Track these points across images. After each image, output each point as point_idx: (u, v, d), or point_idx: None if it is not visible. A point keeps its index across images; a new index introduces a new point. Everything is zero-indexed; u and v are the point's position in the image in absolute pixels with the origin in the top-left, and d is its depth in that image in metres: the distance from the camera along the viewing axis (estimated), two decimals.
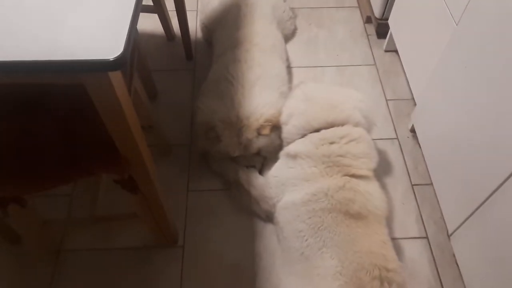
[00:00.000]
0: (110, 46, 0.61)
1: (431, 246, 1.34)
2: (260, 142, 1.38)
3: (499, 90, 1.00)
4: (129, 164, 0.90)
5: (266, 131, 1.36)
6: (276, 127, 1.39)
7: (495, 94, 1.02)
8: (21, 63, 0.60)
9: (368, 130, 1.34)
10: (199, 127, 1.42)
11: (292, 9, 1.98)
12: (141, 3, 0.70)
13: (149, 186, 1.01)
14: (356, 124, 1.29)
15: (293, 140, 1.35)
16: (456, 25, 1.21)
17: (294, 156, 1.30)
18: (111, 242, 1.34)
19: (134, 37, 1.35)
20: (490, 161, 1.05)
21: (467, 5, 1.15)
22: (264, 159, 1.47)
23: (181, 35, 1.75)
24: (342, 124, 1.27)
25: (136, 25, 0.66)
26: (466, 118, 1.16)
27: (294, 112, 1.35)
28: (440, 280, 1.28)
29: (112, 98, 0.72)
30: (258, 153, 1.43)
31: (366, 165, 1.24)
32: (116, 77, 0.71)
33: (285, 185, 1.30)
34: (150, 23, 1.91)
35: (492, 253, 1.05)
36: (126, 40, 0.62)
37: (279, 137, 1.41)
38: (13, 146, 0.91)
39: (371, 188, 1.21)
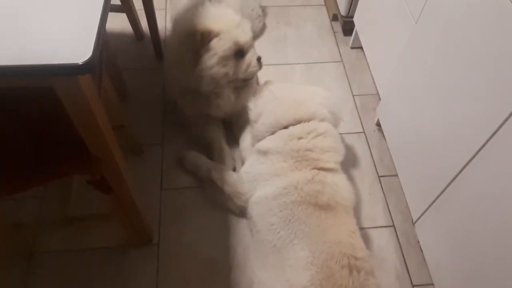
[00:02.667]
0: (79, 50, 0.62)
1: (398, 234, 1.41)
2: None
3: (455, 84, 1.07)
4: (100, 164, 0.91)
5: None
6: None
7: (451, 90, 1.08)
8: None
9: (335, 125, 1.40)
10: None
11: (262, 7, 2.01)
12: (109, 5, 0.71)
13: (121, 186, 1.02)
14: (323, 120, 1.34)
15: (263, 137, 1.39)
16: (415, 23, 1.27)
17: (265, 152, 1.34)
18: (84, 243, 1.33)
19: (102, 39, 1.34)
20: (447, 153, 1.12)
21: (425, 4, 1.21)
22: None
23: (150, 34, 1.75)
24: (309, 120, 1.32)
25: (105, 27, 0.67)
26: (425, 112, 1.23)
27: (263, 111, 1.40)
28: (406, 265, 1.35)
29: (82, 100, 0.73)
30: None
31: (333, 158, 1.29)
32: (85, 80, 0.72)
33: (257, 180, 1.33)
34: (118, 22, 1.90)
35: (451, 238, 1.12)
36: (95, 43, 0.63)
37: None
38: None
39: (339, 180, 1.27)
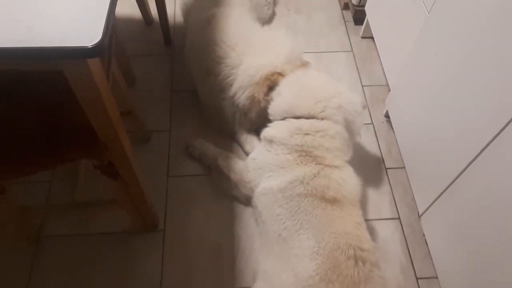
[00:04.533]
0: (88, 33, 0.62)
1: (403, 227, 1.40)
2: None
3: (467, 77, 1.05)
4: (108, 149, 0.91)
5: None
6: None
7: (463, 82, 1.07)
8: None
9: (349, 134, 1.34)
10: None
11: None
12: None
13: (128, 172, 1.02)
14: (336, 122, 1.30)
15: (274, 119, 1.37)
16: (428, 13, 1.25)
17: (270, 141, 1.33)
18: (91, 228, 1.35)
19: (112, 23, 1.34)
20: (455, 147, 1.10)
21: None
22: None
23: (159, 19, 1.74)
24: (322, 119, 1.29)
25: (114, 11, 0.66)
26: (435, 104, 1.21)
27: (283, 93, 1.37)
28: (411, 258, 1.34)
29: (91, 85, 0.73)
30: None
31: (339, 158, 1.27)
32: (94, 64, 0.71)
33: (262, 169, 1.33)
34: (127, 8, 1.88)
35: (457, 232, 1.11)
36: (104, 27, 0.63)
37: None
38: None
39: (345, 174, 1.25)
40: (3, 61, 0.65)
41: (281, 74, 1.39)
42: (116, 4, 0.68)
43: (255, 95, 1.39)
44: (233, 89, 1.42)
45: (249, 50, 1.43)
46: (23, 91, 0.95)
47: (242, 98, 1.41)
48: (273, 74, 1.38)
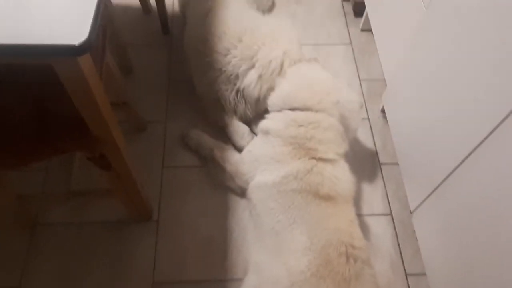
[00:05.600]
0: (76, 31, 0.62)
1: (395, 223, 1.41)
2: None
3: (462, 74, 1.04)
4: (100, 142, 0.92)
5: None
6: None
7: (458, 79, 1.06)
8: None
9: (346, 130, 1.34)
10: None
11: None
12: None
13: (121, 164, 1.03)
14: (331, 115, 1.30)
15: (272, 110, 1.38)
16: (426, 9, 1.24)
17: (266, 132, 1.34)
18: (86, 216, 1.36)
19: (108, 12, 1.33)
20: (448, 144, 1.10)
21: None
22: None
23: (157, 8, 1.73)
24: (317, 111, 1.29)
25: (102, 8, 0.66)
26: (430, 101, 1.21)
27: (283, 85, 1.38)
28: (401, 254, 1.36)
29: (81, 80, 0.73)
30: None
31: (333, 150, 1.26)
32: (85, 60, 0.71)
33: (258, 161, 1.33)
34: None
35: (447, 230, 1.12)
36: (91, 24, 0.63)
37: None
38: None
39: (339, 171, 1.25)
40: None
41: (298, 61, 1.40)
42: (104, 3, 0.67)
43: (273, 86, 1.39)
44: (248, 80, 1.41)
45: (258, 40, 1.42)
46: (15, 81, 0.95)
47: (260, 90, 1.41)
48: (294, 61, 1.39)
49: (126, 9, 1.88)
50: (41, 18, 0.64)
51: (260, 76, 1.40)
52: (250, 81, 1.41)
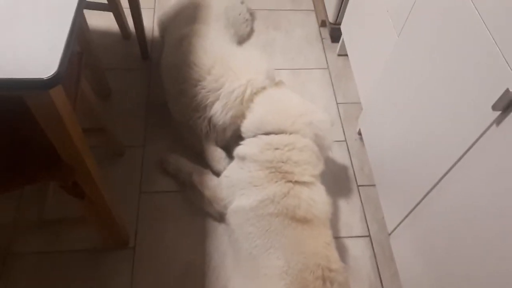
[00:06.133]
0: (45, 64, 0.62)
1: (373, 244, 1.42)
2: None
3: (433, 99, 1.08)
4: (72, 170, 0.91)
5: None
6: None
7: (430, 103, 1.09)
8: None
9: (321, 150, 1.36)
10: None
11: (250, 10, 2.00)
12: (79, 20, 0.71)
13: (94, 192, 1.02)
14: (305, 136, 1.33)
15: (246, 136, 1.39)
16: (398, 36, 1.28)
17: (242, 158, 1.34)
18: (60, 245, 1.33)
19: (85, 37, 1.32)
20: (423, 166, 1.13)
21: (407, 19, 1.22)
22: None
23: (136, 33, 1.74)
24: (291, 133, 1.32)
25: (73, 43, 0.66)
26: (404, 124, 1.24)
27: (255, 110, 1.40)
28: (380, 275, 1.36)
29: (52, 111, 0.73)
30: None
31: (308, 172, 1.28)
32: (56, 91, 0.71)
33: (235, 186, 1.34)
34: (105, 21, 1.88)
35: (424, 252, 1.13)
36: (61, 58, 0.63)
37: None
38: None
39: (315, 193, 1.26)
40: None
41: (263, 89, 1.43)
42: (75, 32, 0.68)
43: (238, 114, 1.41)
44: (214, 109, 1.43)
45: (227, 72, 1.44)
46: None
47: (225, 117, 1.43)
48: (257, 91, 1.42)
49: (106, 33, 1.89)
50: (12, 52, 0.64)
51: (224, 105, 1.42)
52: (215, 111, 1.43)
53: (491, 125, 0.85)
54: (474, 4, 0.89)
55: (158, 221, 1.41)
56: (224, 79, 1.43)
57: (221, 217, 1.41)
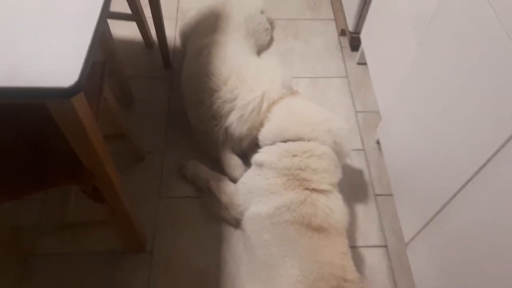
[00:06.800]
0: (66, 73, 0.65)
1: (390, 255, 1.41)
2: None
3: (453, 110, 1.06)
4: (93, 176, 0.94)
5: None
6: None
7: (450, 114, 1.08)
8: None
9: (339, 158, 1.37)
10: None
11: (269, 19, 2.03)
12: (101, 29, 0.74)
13: (114, 197, 1.05)
14: (323, 143, 1.33)
15: (264, 144, 1.40)
16: (418, 46, 1.27)
17: (260, 165, 1.36)
18: (80, 247, 1.37)
19: (109, 47, 1.37)
20: (442, 177, 1.11)
21: (427, 28, 1.21)
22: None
23: (158, 43, 1.79)
24: (309, 140, 1.32)
25: (94, 53, 0.70)
26: (424, 134, 1.22)
27: (273, 119, 1.41)
28: (396, 286, 1.34)
29: (74, 118, 0.76)
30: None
31: (326, 180, 1.28)
32: (78, 99, 0.75)
33: (252, 193, 1.35)
34: (129, 30, 1.94)
35: (441, 263, 1.12)
36: (83, 67, 0.66)
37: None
38: None
39: (332, 202, 1.26)
40: None
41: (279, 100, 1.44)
42: (96, 43, 0.71)
43: (255, 124, 1.43)
44: (229, 120, 1.45)
45: (241, 84, 1.46)
46: (10, 116, 0.99)
47: (242, 129, 1.45)
48: (274, 102, 1.43)
49: (129, 43, 1.95)
50: (35, 61, 0.67)
51: (240, 117, 1.43)
52: (231, 122, 1.45)
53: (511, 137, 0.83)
54: (496, 15, 0.88)
55: (175, 226, 1.44)
56: (239, 91, 1.45)
57: (237, 223, 1.42)
